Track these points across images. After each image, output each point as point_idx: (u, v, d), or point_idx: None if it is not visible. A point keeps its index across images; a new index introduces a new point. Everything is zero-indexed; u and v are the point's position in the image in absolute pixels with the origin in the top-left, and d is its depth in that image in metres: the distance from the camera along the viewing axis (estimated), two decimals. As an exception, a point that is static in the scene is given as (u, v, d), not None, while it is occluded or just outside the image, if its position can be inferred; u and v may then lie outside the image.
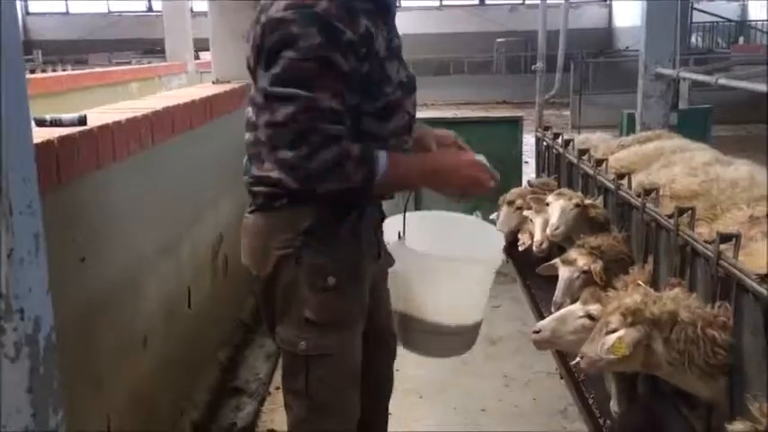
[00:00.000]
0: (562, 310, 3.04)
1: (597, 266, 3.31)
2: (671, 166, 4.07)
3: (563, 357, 4.04)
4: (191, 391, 3.48)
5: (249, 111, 2.17)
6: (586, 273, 3.32)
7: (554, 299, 3.40)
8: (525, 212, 4.45)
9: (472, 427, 3.39)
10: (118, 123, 2.65)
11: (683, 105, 6.40)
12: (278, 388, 3.85)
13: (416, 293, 2.30)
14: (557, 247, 4.29)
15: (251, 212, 2.18)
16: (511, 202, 4.72)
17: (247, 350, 4.39)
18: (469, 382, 3.84)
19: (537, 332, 2.96)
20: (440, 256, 2.27)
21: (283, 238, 2.07)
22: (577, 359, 2.76)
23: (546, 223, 4.20)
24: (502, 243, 2.55)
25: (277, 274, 2.09)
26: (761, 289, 2.22)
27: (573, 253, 3.47)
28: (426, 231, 2.38)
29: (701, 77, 5.44)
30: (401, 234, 2.30)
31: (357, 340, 2.23)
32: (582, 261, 3.38)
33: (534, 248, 4.17)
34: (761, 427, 2.07)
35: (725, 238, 2.53)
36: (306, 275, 2.06)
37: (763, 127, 11.13)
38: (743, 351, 2.42)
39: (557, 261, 3.52)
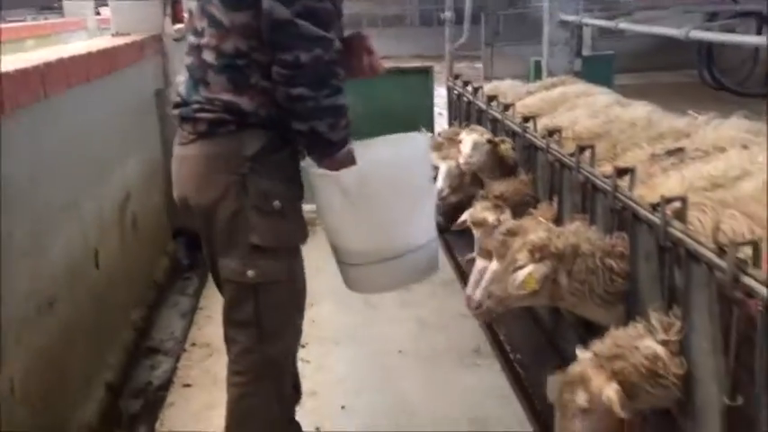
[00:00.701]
0: (487, 275, 3.01)
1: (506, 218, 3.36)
2: (574, 109, 4.18)
3: (476, 299, 4.15)
4: (104, 353, 3.41)
5: (191, 37, 2.22)
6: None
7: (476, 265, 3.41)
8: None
9: (387, 370, 3.45)
10: (7, 75, 2.51)
11: (587, 53, 6.57)
12: (194, 344, 3.83)
13: (359, 220, 2.21)
14: (466, 198, 4.42)
15: (190, 142, 2.18)
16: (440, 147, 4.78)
17: (161, 310, 4.32)
18: (384, 327, 3.90)
19: (477, 307, 2.93)
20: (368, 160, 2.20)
21: (230, 164, 2.12)
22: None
23: (450, 172, 4.30)
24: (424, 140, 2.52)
25: (221, 202, 2.13)
26: (653, 218, 2.32)
27: (479, 210, 3.51)
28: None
29: (602, 23, 5.60)
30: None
31: (302, 265, 2.30)
32: (491, 218, 3.44)
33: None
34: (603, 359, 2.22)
35: (621, 172, 2.62)
36: (252, 200, 2.12)
37: (664, 74, 11.59)
38: (638, 277, 2.54)
39: (467, 219, 3.56)
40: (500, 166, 3.99)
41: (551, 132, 3.37)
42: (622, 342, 2.25)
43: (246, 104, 2.14)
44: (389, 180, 2.22)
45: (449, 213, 4.55)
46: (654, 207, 2.33)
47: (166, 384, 3.46)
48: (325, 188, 2.21)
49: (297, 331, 2.41)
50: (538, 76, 5.96)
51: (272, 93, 2.13)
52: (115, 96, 3.97)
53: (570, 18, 5.62)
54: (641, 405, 2.25)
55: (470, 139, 3.99)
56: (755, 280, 1.82)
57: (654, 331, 2.26)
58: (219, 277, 2.30)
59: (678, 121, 3.49)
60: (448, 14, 6.79)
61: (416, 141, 2.54)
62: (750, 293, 1.85)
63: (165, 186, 5.25)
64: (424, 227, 2.34)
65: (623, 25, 5.18)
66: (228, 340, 2.31)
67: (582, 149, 2.99)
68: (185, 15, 5.32)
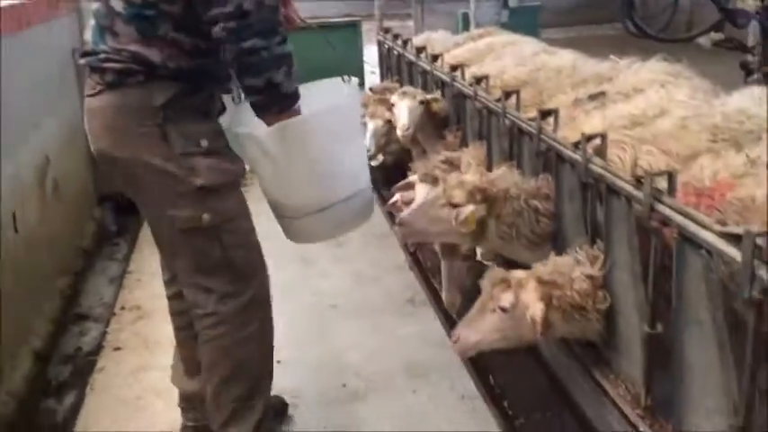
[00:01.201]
0: (420, 199, 3.00)
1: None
2: (501, 58, 4.19)
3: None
4: (30, 322, 3.30)
5: None
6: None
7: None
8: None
9: (323, 324, 3.44)
10: None
11: (513, 4, 6.58)
12: (123, 308, 3.74)
13: (289, 173, 2.21)
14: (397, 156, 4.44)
15: (98, 92, 2.11)
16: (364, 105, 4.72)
17: (89, 276, 4.20)
18: (319, 282, 3.89)
19: (401, 225, 2.90)
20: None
21: (143, 115, 2.07)
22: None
23: (377, 131, 4.29)
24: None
25: (145, 155, 2.08)
26: (576, 156, 2.35)
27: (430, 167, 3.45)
28: None
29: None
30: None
31: (245, 200, 2.28)
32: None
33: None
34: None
35: (545, 114, 2.65)
36: (180, 146, 2.08)
37: (591, 28, 11.74)
38: (563, 217, 2.58)
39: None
40: (432, 122, 3.98)
41: (479, 80, 3.37)
42: (563, 269, 2.28)
43: (155, 56, 2.08)
44: (319, 132, 2.21)
45: (381, 169, 4.54)
46: (575, 145, 2.36)
47: (96, 350, 3.38)
48: (257, 147, 2.19)
49: (265, 266, 2.35)
50: (466, 27, 5.95)
51: (181, 44, 2.07)
52: (27, 55, 3.78)
53: (497, -30, 5.63)
54: (560, 333, 2.30)
55: (404, 107, 3.92)
56: (670, 208, 1.87)
57: (582, 263, 2.31)
58: (162, 233, 2.25)
59: (600, 65, 3.53)
60: (376, -30, 6.68)
61: (343, 90, 2.51)
62: (666, 222, 1.89)
63: (87, 151, 5.06)
64: (357, 175, 2.36)
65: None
66: (197, 294, 2.23)
67: (508, 95, 3.00)
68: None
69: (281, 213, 2.33)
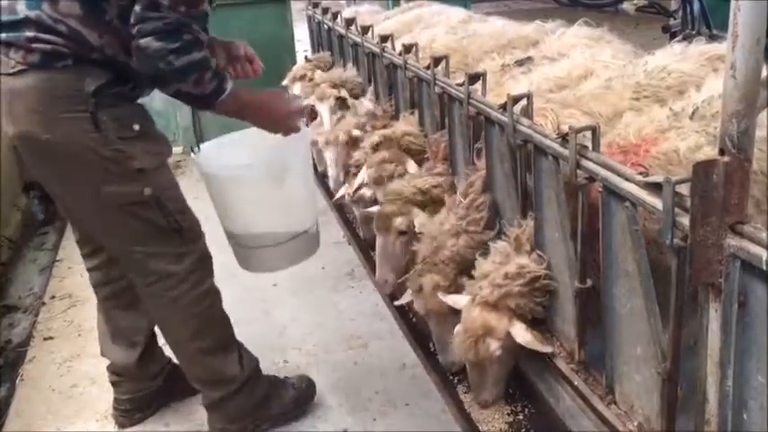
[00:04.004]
0: (378, 251, 3.02)
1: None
2: (430, 27, 4.19)
3: (349, 225, 4.16)
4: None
5: None
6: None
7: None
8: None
9: (263, 303, 3.40)
10: None
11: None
12: (53, 297, 3.62)
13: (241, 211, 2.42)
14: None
15: (19, 72, 1.99)
16: (302, 77, 4.66)
17: (18, 266, 4.06)
18: (258, 260, 3.83)
19: (384, 283, 3.04)
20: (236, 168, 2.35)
21: (72, 100, 2.00)
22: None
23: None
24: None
25: (75, 137, 2.03)
26: (503, 117, 2.36)
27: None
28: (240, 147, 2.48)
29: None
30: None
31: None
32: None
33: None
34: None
35: (473, 78, 2.65)
36: (113, 131, 2.06)
37: (522, 2, 11.84)
38: (495, 182, 2.60)
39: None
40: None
41: (408, 49, 3.36)
42: (500, 280, 2.25)
43: (94, 39, 2.00)
44: (286, 171, 2.40)
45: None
46: (503, 107, 2.37)
47: (27, 341, 3.27)
48: (221, 184, 2.36)
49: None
50: (396, 3, 5.92)
51: (120, 35, 2.00)
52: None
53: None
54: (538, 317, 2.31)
55: (325, 110, 3.95)
56: (594, 162, 1.89)
57: (517, 244, 2.33)
58: (93, 211, 2.19)
59: (525, 28, 3.56)
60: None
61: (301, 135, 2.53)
62: (592, 177, 1.92)
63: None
64: (308, 211, 2.59)
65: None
66: (150, 262, 2.25)
67: (437, 62, 2.99)
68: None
69: (239, 243, 2.50)
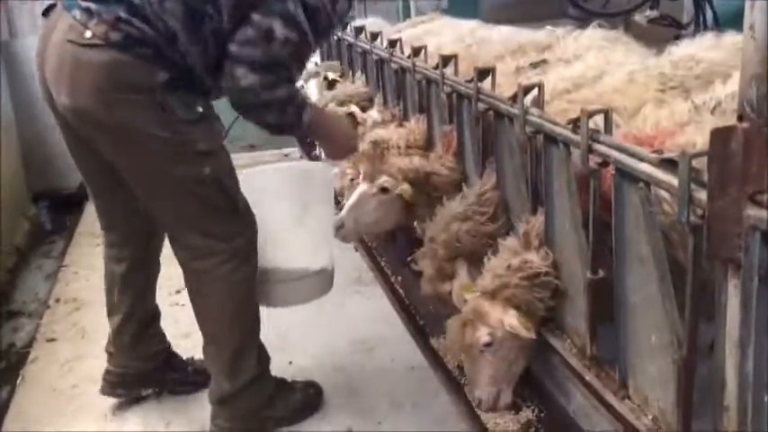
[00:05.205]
0: (354, 196, 3.03)
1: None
2: (440, 36, 4.18)
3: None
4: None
5: None
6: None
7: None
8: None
9: (267, 309, 3.33)
10: None
11: (453, -10, 6.58)
12: (58, 300, 3.58)
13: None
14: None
15: (94, 46, 1.97)
16: (316, 74, 4.66)
17: (24, 273, 4.04)
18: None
19: (340, 227, 2.95)
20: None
21: (140, 87, 2.00)
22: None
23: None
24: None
25: (138, 120, 2.03)
26: (513, 110, 2.32)
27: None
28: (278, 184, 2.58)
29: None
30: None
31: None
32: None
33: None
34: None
35: (482, 73, 2.61)
36: (181, 113, 2.06)
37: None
38: (504, 179, 2.56)
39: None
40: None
41: (416, 52, 3.34)
42: (501, 271, 2.25)
43: (183, 45, 2.03)
44: (318, 208, 2.50)
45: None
46: (513, 99, 2.33)
47: (30, 343, 3.23)
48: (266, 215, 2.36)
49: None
50: (407, 15, 5.93)
51: (209, 52, 2.07)
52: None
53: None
54: (538, 315, 2.26)
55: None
56: (607, 145, 1.84)
57: (526, 241, 2.28)
58: (153, 189, 2.21)
59: (537, 33, 3.53)
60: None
61: (327, 171, 2.70)
62: (605, 161, 1.87)
63: (20, 149, 4.88)
64: (327, 248, 2.63)
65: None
66: (203, 240, 2.24)
67: (446, 62, 2.97)
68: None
69: (267, 278, 2.47)
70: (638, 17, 4.79)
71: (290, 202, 2.46)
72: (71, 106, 2.04)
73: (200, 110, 2.12)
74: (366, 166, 3.02)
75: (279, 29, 2.03)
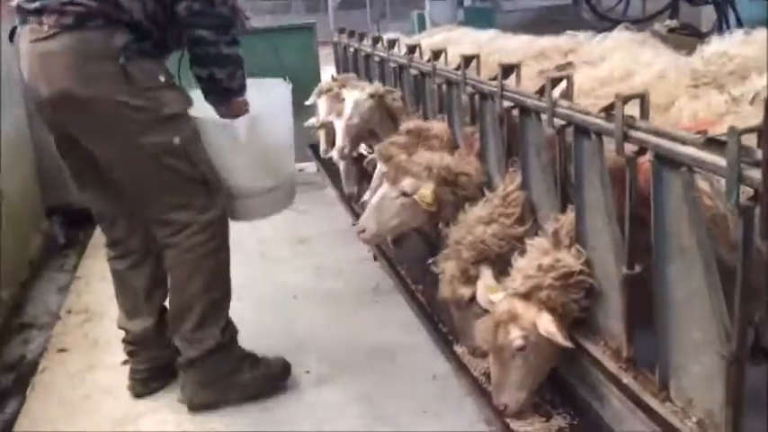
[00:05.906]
0: (375, 198, 2.95)
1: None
2: (458, 45, 4.12)
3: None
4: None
5: None
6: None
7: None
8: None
9: (286, 315, 3.26)
10: None
11: (468, 3, 6.55)
12: (69, 312, 3.51)
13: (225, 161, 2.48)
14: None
15: (51, 36, 2.17)
16: (328, 90, 4.59)
17: (36, 286, 3.97)
18: (279, 276, 3.73)
19: (362, 231, 2.89)
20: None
21: (104, 56, 2.18)
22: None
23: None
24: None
25: (109, 91, 2.20)
26: (541, 103, 2.24)
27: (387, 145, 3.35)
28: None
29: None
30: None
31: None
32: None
33: (335, 155, 4.03)
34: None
35: (506, 69, 2.54)
36: (142, 81, 2.23)
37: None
38: (531, 178, 2.47)
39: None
40: (390, 119, 3.85)
41: (436, 55, 3.27)
42: (532, 271, 2.16)
43: (126, 2, 2.20)
44: (272, 124, 2.56)
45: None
46: (540, 93, 2.25)
47: (41, 356, 3.14)
48: (215, 134, 2.43)
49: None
50: (422, 27, 5.91)
51: (146, 4, 2.23)
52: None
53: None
54: (571, 317, 2.16)
55: (351, 98, 3.84)
56: (644, 131, 1.76)
57: (555, 240, 2.19)
58: (127, 166, 2.33)
59: (558, 39, 3.46)
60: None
61: (284, 87, 2.77)
62: (642, 148, 1.78)
63: (35, 162, 4.85)
64: (291, 160, 2.78)
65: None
66: (174, 213, 2.37)
67: (467, 62, 2.90)
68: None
69: (232, 194, 2.55)
70: (658, 26, 4.72)
71: (245, 116, 2.47)
72: (50, 95, 2.21)
73: (162, 78, 2.29)
74: (390, 168, 2.94)
75: None
